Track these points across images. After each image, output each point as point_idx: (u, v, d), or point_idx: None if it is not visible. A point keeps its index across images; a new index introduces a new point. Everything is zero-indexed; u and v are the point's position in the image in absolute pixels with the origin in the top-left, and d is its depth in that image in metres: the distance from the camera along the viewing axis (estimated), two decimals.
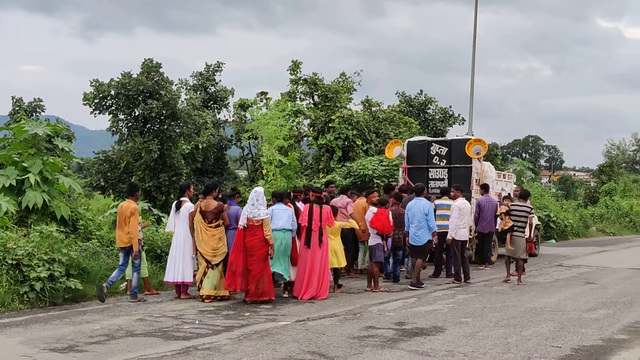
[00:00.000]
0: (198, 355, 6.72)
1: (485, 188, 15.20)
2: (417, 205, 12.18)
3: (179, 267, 10.56)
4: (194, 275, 10.72)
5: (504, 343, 7.42)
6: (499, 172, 18.60)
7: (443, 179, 16.12)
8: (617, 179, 48.71)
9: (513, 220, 12.90)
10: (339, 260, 11.35)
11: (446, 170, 16.39)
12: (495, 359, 6.73)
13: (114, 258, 11.73)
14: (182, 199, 10.88)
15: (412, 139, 18.00)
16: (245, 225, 10.10)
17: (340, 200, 13.24)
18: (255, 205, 10.13)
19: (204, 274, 10.24)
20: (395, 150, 16.94)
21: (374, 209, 12.21)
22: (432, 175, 16.55)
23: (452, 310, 9.66)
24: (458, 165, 16.20)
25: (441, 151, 16.63)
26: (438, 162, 16.59)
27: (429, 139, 17.88)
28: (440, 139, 18.90)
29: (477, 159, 16.02)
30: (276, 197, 11.25)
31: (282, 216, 10.62)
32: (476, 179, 15.96)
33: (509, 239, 12.90)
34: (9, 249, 9.56)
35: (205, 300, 10.10)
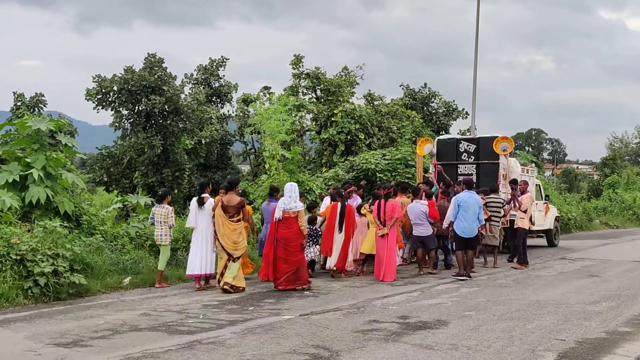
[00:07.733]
0: (202, 349, 6.73)
1: (514, 183, 15.37)
2: (472, 199, 12.37)
3: (207, 259, 11.07)
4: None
5: (507, 336, 7.42)
6: (523, 166, 19.32)
7: (471, 175, 16.72)
8: (620, 171, 48.63)
9: (490, 212, 14.25)
10: (373, 247, 12.42)
11: (474, 166, 17.22)
12: (499, 352, 6.72)
13: (117, 253, 11.79)
14: (203, 195, 11.30)
15: (441, 137, 19.01)
16: (280, 218, 10.72)
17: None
18: (293, 198, 10.82)
19: (225, 266, 10.57)
20: (426, 148, 17.82)
21: (425, 202, 13.16)
22: (461, 171, 17.39)
23: (455, 303, 9.66)
24: (486, 162, 16.99)
25: (469, 148, 17.52)
26: (467, 159, 17.44)
27: (458, 136, 19.21)
28: (468, 137, 19.93)
29: (504, 155, 16.72)
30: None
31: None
32: (503, 174, 16.55)
33: (487, 227, 14.09)
34: (12, 244, 9.58)
35: (224, 287, 10.43)
